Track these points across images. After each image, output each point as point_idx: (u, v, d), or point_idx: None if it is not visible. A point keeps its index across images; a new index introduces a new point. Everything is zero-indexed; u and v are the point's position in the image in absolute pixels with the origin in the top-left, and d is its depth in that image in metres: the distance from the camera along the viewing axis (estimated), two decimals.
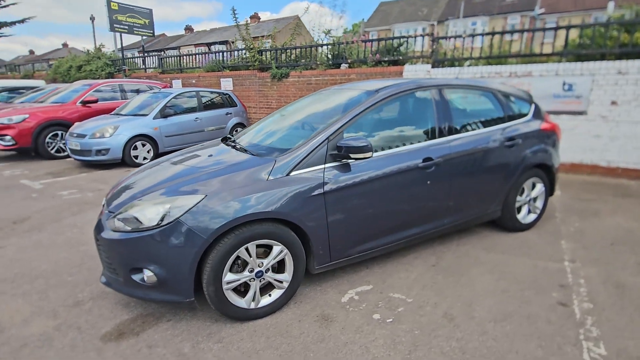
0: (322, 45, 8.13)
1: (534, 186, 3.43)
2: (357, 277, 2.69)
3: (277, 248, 2.18)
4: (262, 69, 9.04)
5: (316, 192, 2.23)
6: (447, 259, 2.96)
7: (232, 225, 1.99)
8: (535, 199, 3.49)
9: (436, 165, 2.67)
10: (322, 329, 2.14)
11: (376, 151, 2.51)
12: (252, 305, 2.19)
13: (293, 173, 2.22)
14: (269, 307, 2.24)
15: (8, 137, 6.94)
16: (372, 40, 7.45)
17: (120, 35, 12.09)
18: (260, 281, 2.19)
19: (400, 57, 7.06)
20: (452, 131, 2.84)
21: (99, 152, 6.34)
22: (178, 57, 11.13)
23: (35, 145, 7.21)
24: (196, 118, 7.60)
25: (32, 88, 10.72)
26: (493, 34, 6.04)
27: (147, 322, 2.22)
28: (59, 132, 7.45)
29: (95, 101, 8.02)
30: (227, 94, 8.56)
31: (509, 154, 3.11)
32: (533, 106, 3.46)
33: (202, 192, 2.03)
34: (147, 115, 6.94)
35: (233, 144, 2.83)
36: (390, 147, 2.59)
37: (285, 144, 2.50)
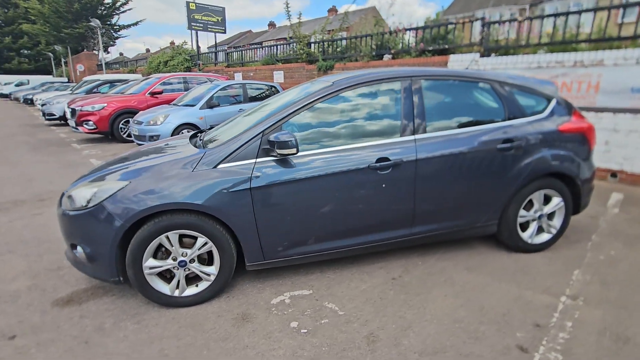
0: (366, 36, 7.77)
1: (548, 199, 2.81)
2: (303, 280, 2.54)
3: (200, 240, 2.18)
4: (310, 61, 9.06)
5: (242, 187, 2.16)
6: (415, 273, 2.61)
7: (147, 213, 2.05)
8: (550, 216, 2.86)
9: (394, 166, 2.36)
10: (234, 328, 2.08)
11: (324, 148, 2.33)
12: (177, 293, 2.23)
13: (221, 166, 2.18)
14: (194, 298, 2.26)
15: (90, 122, 8.23)
16: (416, 29, 6.87)
17: (197, 33, 13.29)
18: (185, 271, 2.22)
19: (447, 46, 6.37)
20: (422, 129, 2.47)
21: (151, 137, 7.12)
22: (240, 52, 11.80)
23: (111, 130, 8.43)
24: (240, 109, 7.99)
25: (124, 81, 12.52)
26: (556, 15, 5.05)
27: (95, 295, 2.43)
28: (130, 119, 8.58)
29: (161, 92, 8.99)
30: (273, 86, 8.79)
31: (506, 159, 2.58)
32: (553, 102, 2.80)
33: (127, 180, 2.13)
34: (194, 105, 7.54)
35: (197, 138, 2.84)
36: (339, 144, 2.37)
37: (228, 137, 2.46)
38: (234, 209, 2.17)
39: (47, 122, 11.85)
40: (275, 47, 10.28)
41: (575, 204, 2.90)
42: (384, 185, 2.37)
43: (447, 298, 2.32)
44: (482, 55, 5.82)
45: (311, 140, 2.38)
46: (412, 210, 2.49)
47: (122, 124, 8.55)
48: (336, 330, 2.04)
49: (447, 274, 2.61)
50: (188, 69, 13.83)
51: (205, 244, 2.20)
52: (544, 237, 2.89)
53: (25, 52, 41.27)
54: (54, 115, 11.23)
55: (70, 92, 13.28)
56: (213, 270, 2.26)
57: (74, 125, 8.50)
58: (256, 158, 2.22)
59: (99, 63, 24.71)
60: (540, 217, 2.81)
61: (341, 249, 2.47)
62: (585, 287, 2.41)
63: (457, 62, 6.11)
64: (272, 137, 2.13)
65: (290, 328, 2.06)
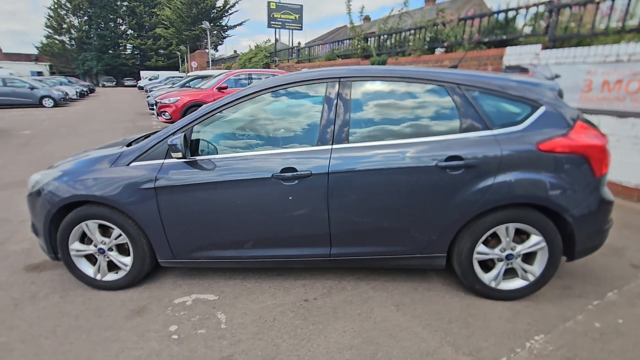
0: (419, 29, 7.06)
1: (526, 236, 2.16)
2: (219, 285, 2.51)
3: (116, 231, 2.34)
4: (366, 56, 8.70)
5: (147, 185, 2.22)
6: (334, 298, 2.33)
7: (66, 202, 2.28)
8: (528, 258, 2.21)
9: (301, 178, 2.11)
10: (124, 319, 2.18)
11: (235, 153, 2.24)
12: (98, 277, 2.45)
13: (133, 164, 2.29)
14: (112, 283, 2.45)
15: (167, 113, 9.49)
16: (471, 18, 5.94)
17: (275, 31, 14.02)
18: (105, 258, 2.42)
19: (504, 37, 5.36)
20: (343, 139, 2.14)
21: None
22: (308, 48, 12.02)
23: None
24: None
25: (210, 77, 14.04)
26: None
27: (56, 267, 2.82)
28: None
29: (226, 87, 9.81)
30: None
31: (452, 180, 2.07)
32: (540, 112, 2.10)
33: (60, 172, 2.40)
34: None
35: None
36: (251, 150, 2.23)
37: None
38: (140, 205, 2.25)
39: (150, 111, 14.09)
40: (337, 42, 10.15)
41: (567, 246, 2.17)
42: (290, 198, 2.16)
43: (345, 334, 2.01)
44: (545, 47, 4.73)
45: (228, 145, 2.31)
46: (327, 229, 2.21)
47: None
48: (202, 344, 1.96)
49: (369, 306, 2.26)
50: (267, 65, 14.72)
51: (120, 235, 2.35)
52: (517, 283, 2.25)
53: (161, 51, 49.72)
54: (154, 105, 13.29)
55: (171, 85, 15.47)
56: (128, 261, 2.41)
57: (156, 115, 9.93)
58: (164, 159, 2.25)
59: (208, 60, 28.16)
60: (509, 257, 2.19)
61: (252, 259, 2.36)
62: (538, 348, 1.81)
63: (514, 56, 5.11)
64: (169, 140, 2.14)
65: (166, 331, 2.07)
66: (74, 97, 21.88)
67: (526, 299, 2.29)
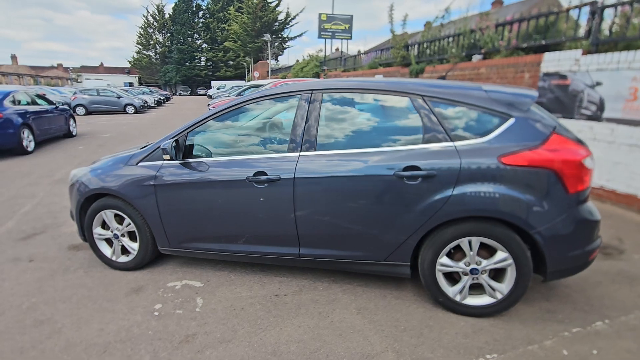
0: (457, 35, 6.81)
1: (492, 252, 2.09)
2: (208, 274, 2.81)
3: (126, 220, 2.77)
4: (405, 64, 8.63)
5: (148, 182, 2.61)
6: (303, 296, 2.48)
7: (88, 194, 2.77)
8: (498, 275, 2.13)
9: (271, 182, 2.31)
10: (123, 295, 2.57)
11: (220, 157, 2.53)
12: (114, 258, 2.90)
13: (140, 164, 2.69)
14: (123, 264, 2.88)
15: None
16: (510, 23, 5.60)
17: (325, 41, 14.47)
18: (119, 242, 2.87)
19: (543, 42, 4.98)
20: (311, 147, 2.29)
21: None
22: (354, 58, 12.20)
23: None
24: None
25: (261, 86, 14.97)
26: None
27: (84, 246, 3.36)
28: None
29: None
30: None
31: (410, 190, 2.09)
32: (509, 123, 2.02)
33: (90, 168, 2.90)
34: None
35: None
36: (228, 155, 2.50)
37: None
38: (144, 199, 2.65)
39: None
40: (379, 51, 10.17)
41: (541, 265, 2.05)
42: (261, 200, 2.37)
43: (298, 329, 2.15)
44: (586, 52, 4.32)
45: (215, 150, 2.61)
46: (294, 230, 2.37)
47: None
48: (175, 322, 2.25)
49: (332, 306, 2.36)
50: (317, 74, 15.22)
51: (130, 224, 2.78)
52: (484, 300, 2.17)
53: (231, 63, 53.82)
54: None
55: (228, 94, 16.78)
56: (136, 246, 2.82)
57: None
58: (163, 160, 2.62)
59: (268, 70, 29.82)
60: (473, 271, 2.13)
61: (231, 253, 2.61)
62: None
63: (553, 62, 4.73)
64: (161, 144, 2.50)
65: (151, 308, 2.40)
66: (152, 104, 24.79)
67: (497, 317, 2.20)
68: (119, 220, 2.84)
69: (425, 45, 8.02)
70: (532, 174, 1.94)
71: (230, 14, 32.62)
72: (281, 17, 31.80)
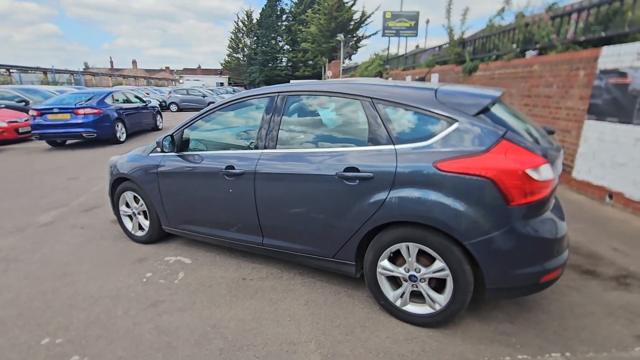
0: (511, 30, 6.13)
1: (432, 260, 2.02)
2: (200, 253, 3.19)
3: (140, 201, 3.31)
4: (460, 62, 8.08)
5: (153, 170, 3.08)
6: (265, 283, 2.68)
7: (117, 177, 3.37)
8: (439, 284, 2.05)
9: (237, 176, 2.55)
10: (130, 262, 3.08)
11: (204, 151, 2.88)
12: (133, 232, 3.48)
13: (150, 154, 3.18)
14: (139, 237, 3.44)
15: None
16: (568, 14, 4.88)
17: (389, 39, 14.20)
18: (136, 219, 3.43)
19: (603, 34, 4.26)
20: (272, 145, 2.46)
21: None
22: (413, 56, 11.76)
23: None
24: None
25: None
26: None
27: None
28: None
29: None
30: None
31: (350, 191, 2.13)
32: (452, 127, 1.91)
33: (120, 156, 3.51)
34: None
35: None
36: (216, 149, 2.82)
37: None
38: (150, 184, 3.13)
39: None
40: (437, 49, 9.65)
41: (479, 280, 1.91)
42: (231, 191, 2.63)
43: (244, 310, 2.36)
44: None
45: (204, 144, 2.95)
46: (257, 221, 2.58)
47: None
48: (155, 288, 2.66)
49: (285, 295, 2.52)
50: (379, 73, 15.04)
51: (142, 204, 3.31)
52: (424, 309, 2.10)
53: (310, 62, 55.81)
54: None
55: None
56: (147, 224, 3.35)
57: None
58: (164, 152, 3.06)
59: (340, 69, 30.23)
60: (412, 278, 2.08)
61: (213, 237, 2.93)
62: None
63: (612, 58, 4.05)
64: (157, 139, 2.92)
65: (143, 275, 2.86)
66: None
67: (439, 329, 2.11)
68: (136, 200, 3.39)
69: (480, 42, 7.41)
70: (468, 182, 1.83)
71: (307, 16, 33.91)
72: (356, 16, 31.97)
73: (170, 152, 2.93)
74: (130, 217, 3.52)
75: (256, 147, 2.56)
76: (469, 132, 1.90)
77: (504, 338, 2.05)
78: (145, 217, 3.38)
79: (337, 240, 2.28)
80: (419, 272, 2.06)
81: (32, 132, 9.00)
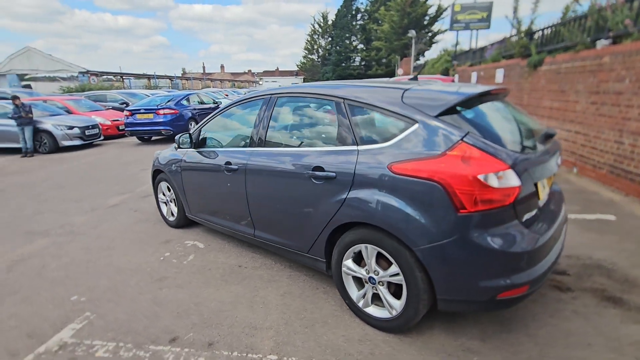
0: (581, 18, 5.27)
1: (390, 264, 1.99)
2: (212, 240, 3.54)
3: (171, 190, 3.80)
4: (526, 55, 7.25)
5: (178, 164, 3.51)
6: (255, 272, 2.89)
7: (155, 169, 3.91)
8: (397, 291, 2.01)
9: (233, 171, 2.79)
10: (157, 242, 3.57)
11: (213, 148, 3.20)
12: (166, 216, 4.01)
13: (178, 150, 3.62)
14: (170, 222, 3.94)
15: None
16: None
17: (457, 33, 13.31)
18: (168, 206, 3.94)
19: None
20: (262, 143, 2.63)
21: None
22: (481, 50, 10.84)
23: None
24: None
25: None
26: None
27: None
28: None
29: None
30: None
31: (318, 189, 2.18)
32: (412, 129, 1.83)
33: (162, 151, 4.05)
34: None
35: None
36: (221, 146, 3.10)
37: None
38: (176, 175, 3.58)
39: None
40: (503, 42, 8.74)
41: (430, 289, 1.82)
42: (228, 185, 2.88)
43: (228, 294, 2.59)
44: None
45: (215, 142, 3.28)
46: (249, 214, 2.79)
47: None
48: (166, 266, 3.06)
49: (268, 285, 2.68)
50: (446, 70, 14.21)
51: (172, 194, 3.80)
52: (383, 313, 2.07)
53: (384, 61, 54.95)
54: None
55: None
56: (176, 210, 3.83)
57: None
58: (188, 147, 3.46)
59: (411, 67, 29.19)
60: (371, 280, 2.06)
61: (221, 227, 3.23)
62: None
63: None
64: (176, 137, 3.32)
65: (162, 254, 3.29)
66: None
67: (400, 335, 2.06)
68: (169, 190, 3.89)
69: (550, 31, 6.53)
70: (418, 185, 1.76)
71: (380, 14, 33.37)
72: (431, 10, 30.36)
73: (189, 148, 3.32)
74: (165, 204, 4.05)
75: (250, 145, 2.77)
76: (428, 134, 1.82)
77: (465, 355, 1.92)
78: (175, 205, 3.86)
79: (310, 237, 2.36)
80: (378, 274, 2.04)
81: (125, 129, 10.69)
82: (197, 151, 3.29)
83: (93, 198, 5.20)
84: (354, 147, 2.08)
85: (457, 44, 13.74)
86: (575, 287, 2.52)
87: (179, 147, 3.38)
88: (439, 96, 1.93)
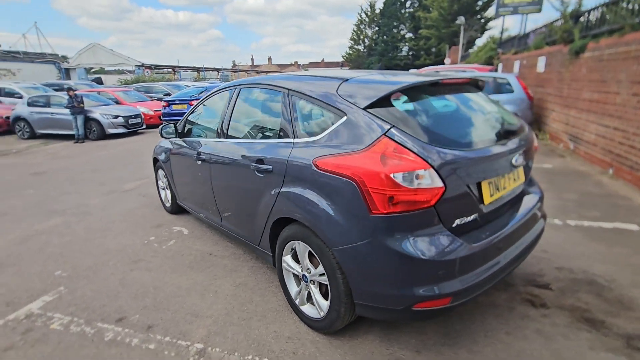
0: None
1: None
2: (196, 226, 3.67)
3: (167, 178, 3.99)
4: (570, 41, 6.45)
5: (168, 152, 3.66)
6: (224, 261, 2.94)
7: (153, 157, 4.12)
8: (323, 288, 1.93)
9: (202, 161, 2.84)
10: (149, 227, 3.77)
11: (192, 138, 3.28)
12: (165, 203, 4.22)
13: (170, 138, 3.77)
14: (167, 209, 4.15)
15: None
16: None
17: (503, 19, 12.23)
18: (164, 193, 4.14)
19: None
20: (224, 134, 2.65)
21: None
22: (526, 36, 9.84)
23: None
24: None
25: None
26: None
27: None
28: None
29: None
30: (504, 78, 7.27)
31: (260, 182, 2.15)
32: (340, 121, 1.71)
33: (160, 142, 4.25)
34: None
35: None
36: (196, 137, 3.18)
37: None
38: (167, 163, 3.74)
39: None
40: (546, 28, 7.83)
41: (345, 290, 1.71)
42: (199, 174, 2.94)
43: (187, 280, 2.67)
44: None
45: (197, 131, 3.35)
46: (215, 204, 2.83)
47: None
48: (149, 249, 3.22)
49: (229, 274, 2.73)
50: (489, 59, 13.18)
51: (166, 180, 3.98)
52: (314, 312, 2.00)
53: (433, 50, 52.40)
54: None
55: None
56: (170, 197, 4.01)
57: None
58: (176, 137, 3.59)
59: (459, 56, 27.52)
60: (304, 278, 2.00)
61: (199, 214, 3.33)
62: None
63: None
64: (160, 127, 3.44)
65: (148, 237, 3.48)
66: None
67: (329, 337, 1.98)
68: (165, 177, 4.09)
69: (595, 15, 5.72)
70: (338, 182, 1.64)
71: (429, 0, 31.66)
72: None
73: (162, 137, 3.46)
74: (164, 190, 4.26)
75: (218, 136, 2.80)
76: (354, 127, 1.70)
77: None
78: (170, 192, 4.05)
79: (258, 229, 2.34)
80: (310, 273, 1.97)
81: (162, 119, 11.39)
82: (181, 140, 3.41)
83: (115, 182, 5.63)
84: (291, 140, 2.01)
85: (502, 30, 12.63)
86: (551, 304, 2.23)
87: (162, 137, 3.52)
88: (374, 87, 1.79)
